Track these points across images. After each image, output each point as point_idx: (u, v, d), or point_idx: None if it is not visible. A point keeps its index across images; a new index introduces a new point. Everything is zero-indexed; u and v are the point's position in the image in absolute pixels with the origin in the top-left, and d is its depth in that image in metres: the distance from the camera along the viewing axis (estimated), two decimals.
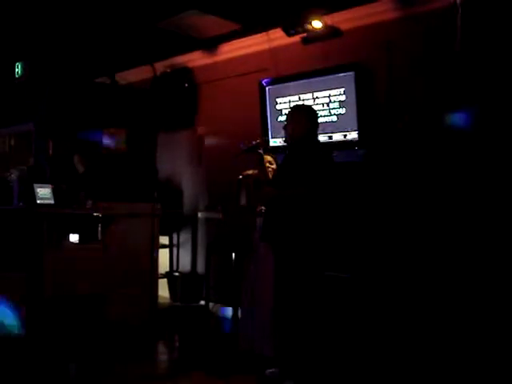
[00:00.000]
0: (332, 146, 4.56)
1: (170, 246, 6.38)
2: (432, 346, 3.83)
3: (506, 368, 3.45)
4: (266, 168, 3.86)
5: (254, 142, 3.81)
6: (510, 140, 3.77)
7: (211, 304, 5.38)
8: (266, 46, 5.35)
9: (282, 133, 3.77)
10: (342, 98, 4.58)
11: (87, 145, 5.95)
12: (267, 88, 5.15)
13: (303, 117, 3.64)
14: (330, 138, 4.66)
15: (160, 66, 6.43)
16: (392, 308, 4.12)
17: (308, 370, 3.37)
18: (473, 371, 3.53)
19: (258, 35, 5.37)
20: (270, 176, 3.90)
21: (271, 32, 5.24)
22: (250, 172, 4.20)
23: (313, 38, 4.84)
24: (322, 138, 4.63)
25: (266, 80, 5.16)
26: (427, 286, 4.04)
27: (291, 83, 4.96)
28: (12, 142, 7.47)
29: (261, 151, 3.82)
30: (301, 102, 4.82)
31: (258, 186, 3.97)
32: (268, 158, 4.09)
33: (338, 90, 4.59)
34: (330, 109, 4.67)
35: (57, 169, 5.83)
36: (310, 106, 4.00)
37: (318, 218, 3.44)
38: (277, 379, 3.54)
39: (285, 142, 3.87)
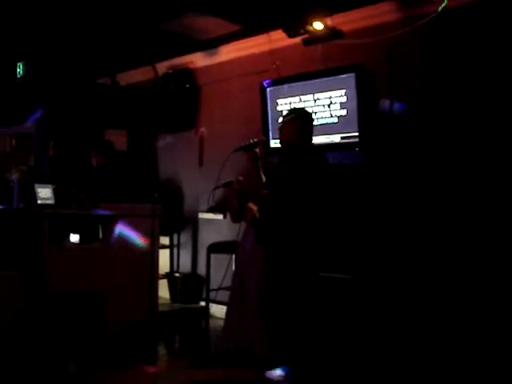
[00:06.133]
0: (332, 147, 4.57)
1: (171, 247, 6.38)
2: (433, 348, 3.83)
3: (506, 368, 3.45)
4: (261, 168, 3.68)
5: (252, 141, 3.72)
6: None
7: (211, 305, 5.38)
8: (267, 48, 5.36)
9: None
10: (343, 99, 4.58)
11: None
12: (268, 89, 5.14)
13: (298, 120, 3.62)
14: (331, 139, 4.66)
15: (161, 67, 6.44)
16: (393, 309, 4.12)
17: (304, 372, 3.36)
18: (474, 375, 3.53)
19: (259, 36, 5.38)
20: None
21: (272, 33, 5.25)
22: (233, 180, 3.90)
23: (314, 39, 4.84)
24: (323, 139, 4.65)
25: (267, 81, 5.16)
26: (427, 287, 4.04)
27: (292, 84, 4.95)
28: (13, 142, 7.48)
29: (257, 150, 3.68)
30: (302, 104, 4.83)
31: (243, 199, 3.74)
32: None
33: (339, 91, 4.59)
34: (330, 110, 4.67)
35: (57, 169, 5.84)
36: (305, 110, 3.94)
37: (312, 222, 3.43)
38: (278, 382, 3.52)
39: (280, 144, 3.80)
